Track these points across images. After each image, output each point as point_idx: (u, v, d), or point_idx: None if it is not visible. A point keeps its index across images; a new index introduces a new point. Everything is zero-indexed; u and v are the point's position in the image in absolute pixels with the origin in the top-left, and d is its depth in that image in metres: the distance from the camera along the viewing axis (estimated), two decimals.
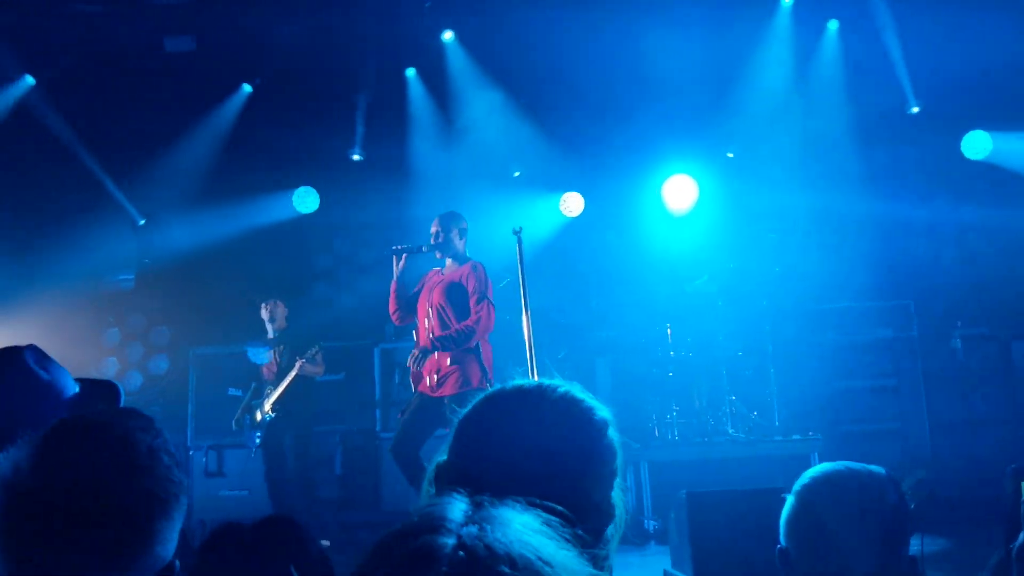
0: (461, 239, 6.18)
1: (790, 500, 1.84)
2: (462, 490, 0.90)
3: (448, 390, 5.82)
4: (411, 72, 9.23)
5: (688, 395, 7.64)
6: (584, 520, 1.16)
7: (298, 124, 8.77)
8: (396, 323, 6.34)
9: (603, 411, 1.34)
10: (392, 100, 9.11)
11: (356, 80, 8.86)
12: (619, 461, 1.33)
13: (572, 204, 8.87)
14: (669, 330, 7.73)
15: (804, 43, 8.37)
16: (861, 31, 8.22)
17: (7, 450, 1.61)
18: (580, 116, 8.66)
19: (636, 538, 6.77)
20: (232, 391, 7.66)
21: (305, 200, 9.15)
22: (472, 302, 5.90)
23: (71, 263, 8.67)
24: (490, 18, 8.72)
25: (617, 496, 1.33)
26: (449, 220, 6.16)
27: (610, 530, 1.31)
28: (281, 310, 7.68)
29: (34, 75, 9.06)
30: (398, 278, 6.12)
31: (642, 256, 8.35)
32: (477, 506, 0.86)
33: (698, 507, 4.96)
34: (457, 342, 5.83)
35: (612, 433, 1.33)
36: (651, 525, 6.89)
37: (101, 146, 9.12)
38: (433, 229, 6.16)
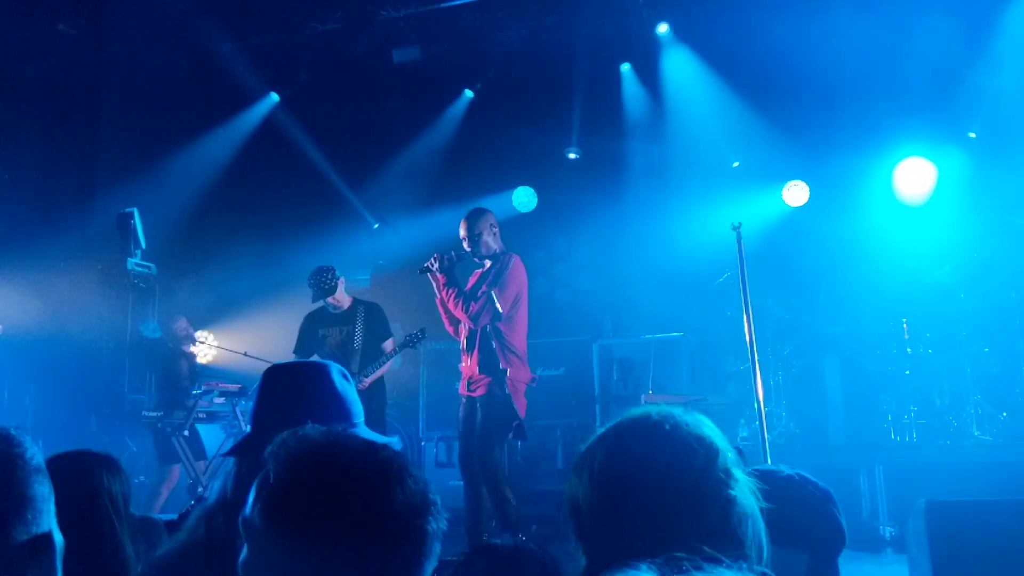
0: (493, 236, 5.77)
1: None
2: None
3: (479, 391, 5.67)
4: (626, 67, 9.25)
5: (927, 394, 7.20)
6: (721, 548, 1.14)
7: (517, 126, 9.02)
8: (456, 337, 5.98)
9: (714, 439, 1.30)
10: (607, 97, 9.16)
11: (572, 79, 8.97)
12: (734, 490, 1.27)
13: (796, 193, 8.52)
14: (905, 325, 7.31)
15: None
16: None
17: None
18: (802, 99, 8.25)
19: (871, 545, 6.44)
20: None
21: (524, 199, 9.36)
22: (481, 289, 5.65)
23: (313, 264, 9.33)
24: (704, 7, 8.56)
25: (738, 510, 1.27)
26: (475, 220, 5.75)
27: (749, 536, 1.26)
28: None
29: (278, 92, 9.90)
30: (445, 291, 5.69)
31: (873, 247, 7.88)
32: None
33: (939, 517, 4.60)
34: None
35: (723, 461, 1.28)
36: (887, 532, 6.54)
37: (337, 155, 9.81)
38: (461, 233, 5.77)
